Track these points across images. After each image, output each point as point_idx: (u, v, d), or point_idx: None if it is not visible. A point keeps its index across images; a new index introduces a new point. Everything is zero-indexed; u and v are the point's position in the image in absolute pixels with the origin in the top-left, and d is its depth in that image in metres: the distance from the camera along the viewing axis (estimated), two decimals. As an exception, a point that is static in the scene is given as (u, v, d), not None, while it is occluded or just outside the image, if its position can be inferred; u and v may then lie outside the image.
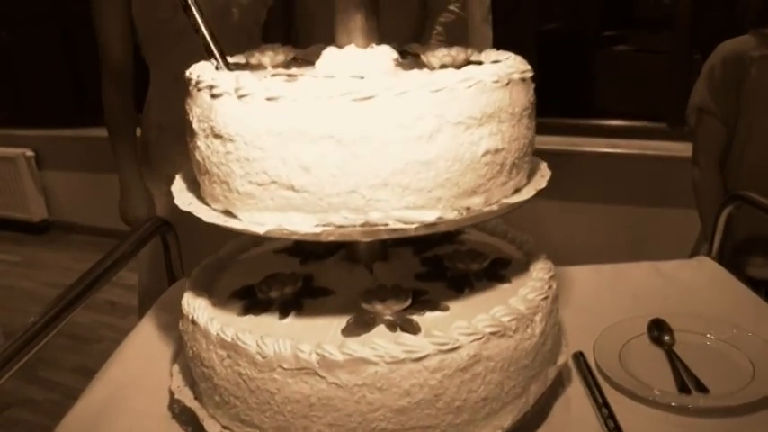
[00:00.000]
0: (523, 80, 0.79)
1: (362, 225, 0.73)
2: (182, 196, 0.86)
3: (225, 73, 0.79)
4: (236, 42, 1.69)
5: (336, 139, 0.69)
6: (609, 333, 1.06)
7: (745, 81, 1.66)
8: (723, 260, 1.36)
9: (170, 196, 1.81)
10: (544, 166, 0.92)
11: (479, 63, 0.88)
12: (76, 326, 3.20)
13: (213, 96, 0.74)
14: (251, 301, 0.91)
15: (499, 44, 1.02)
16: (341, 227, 0.73)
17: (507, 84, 0.76)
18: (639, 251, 2.97)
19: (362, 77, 0.77)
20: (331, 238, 0.73)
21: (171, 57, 1.68)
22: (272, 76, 0.81)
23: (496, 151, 0.76)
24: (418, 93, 0.69)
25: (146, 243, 1.28)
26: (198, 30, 0.87)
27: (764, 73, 1.64)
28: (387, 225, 0.73)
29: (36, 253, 4.09)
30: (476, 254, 0.98)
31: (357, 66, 0.82)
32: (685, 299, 1.21)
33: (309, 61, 0.91)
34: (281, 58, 0.91)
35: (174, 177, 1.76)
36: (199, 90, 0.77)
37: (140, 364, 1.06)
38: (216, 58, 0.87)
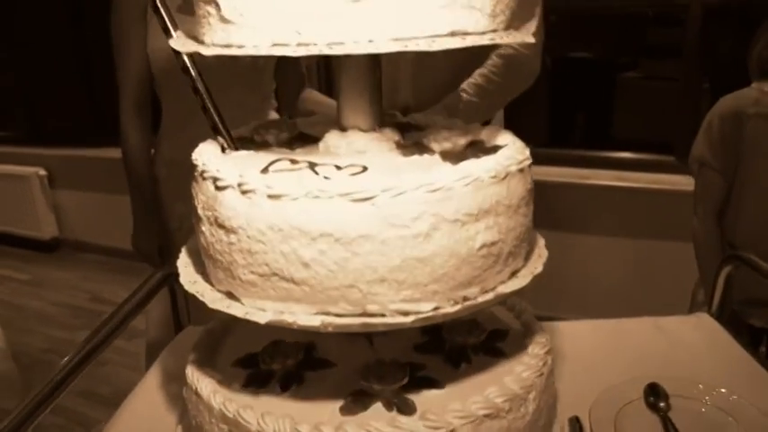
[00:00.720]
0: (521, 170, 0.81)
1: (360, 315, 0.75)
2: (186, 273, 0.89)
3: (230, 161, 0.81)
4: (248, 81, 1.72)
5: (335, 237, 0.71)
6: (605, 397, 1.07)
7: (743, 137, 1.68)
8: (723, 315, 1.37)
9: (181, 232, 1.83)
10: (541, 243, 0.94)
11: (481, 144, 0.90)
12: (84, 348, 3.22)
13: (217, 188, 0.77)
14: (254, 371, 0.93)
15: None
16: (339, 316, 0.76)
17: (505, 177, 0.78)
18: (645, 283, 2.98)
19: (364, 167, 0.79)
20: (330, 329, 0.75)
21: (184, 93, 1.69)
22: (275, 161, 0.83)
23: (492, 244, 0.78)
24: (415, 193, 0.71)
25: (154, 295, 1.30)
26: (206, 109, 0.89)
27: (761, 130, 1.66)
28: (384, 317, 0.75)
29: (45, 271, 4.13)
30: (474, 325, 0.99)
31: (359, 152, 0.85)
32: (684, 359, 1.22)
33: (313, 138, 0.94)
34: (284, 135, 0.93)
35: (185, 214, 1.79)
36: (204, 179, 0.79)
37: (145, 424, 1.08)
38: (224, 137, 0.89)
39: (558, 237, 3.10)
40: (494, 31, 0.77)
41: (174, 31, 0.86)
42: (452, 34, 0.73)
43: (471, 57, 1.62)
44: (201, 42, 0.79)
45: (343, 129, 0.89)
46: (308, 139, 0.94)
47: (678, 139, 2.98)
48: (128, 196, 1.81)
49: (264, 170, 0.80)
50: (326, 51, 0.68)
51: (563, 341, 1.24)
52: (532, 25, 0.84)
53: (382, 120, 0.92)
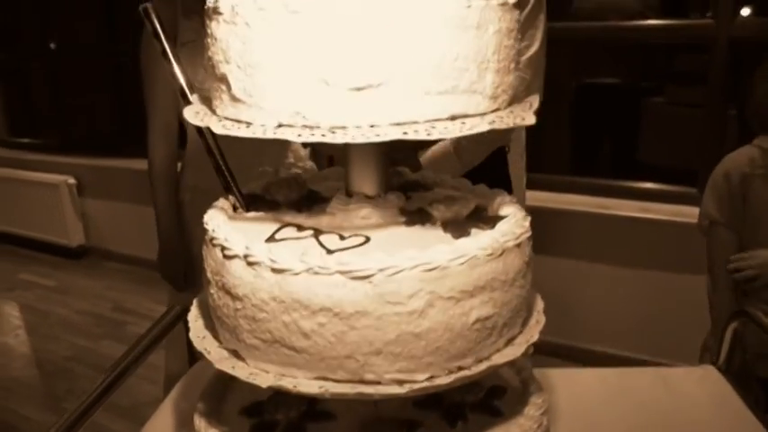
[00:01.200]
0: (519, 245, 0.84)
1: (357, 383, 0.78)
2: (196, 328, 0.93)
3: (238, 227, 0.85)
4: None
5: (334, 312, 0.74)
6: (605, 454, 1.09)
7: (749, 195, 1.69)
8: (730, 369, 1.37)
9: (196, 256, 1.87)
10: (540, 307, 0.96)
11: (484, 212, 0.93)
12: (106, 358, 3.29)
13: (225, 256, 0.80)
14: (258, 422, 0.97)
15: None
16: (338, 382, 0.79)
17: (501, 254, 0.80)
18: (663, 315, 2.97)
19: (366, 238, 0.83)
20: (328, 396, 0.78)
21: None
22: (282, 227, 0.86)
23: (487, 318, 0.80)
24: (411, 272, 0.74)
25: (170, 330, 1.34)
26: (219, 170, 0.93)
27: (766, 190, 1.67)
28: (380, 385, 0.78)
29: (71, 278, 4.23)
30: (473, 383, 1.02)
31: (363, 218, 0.88)
32: (687, 414, 1.23)
33: (321, 198, 0.97)
34: (294, 195, 0.96)
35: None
36: (213, 245, 0.83)
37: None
38: (235, 197, 0.93)
39: (578, 265, 3.11)
40: (495, 111, 0.80)
41: (191, 94, 0.90)
42: (452, 118, 0.75)
43: None
44: (214, 113, 0.83)
45: (349, 193, 0.93)
46: (317, 199, 0.97)
47: (702, 169, 2.95)
48: (153, 208, 1.86)
49: (271, 238, 0.84)
50: (329, 137, 0.71)
51: (565, 392, 1.25)
52: (536, 100, 0.86)
53: (389, 181, 0.95)
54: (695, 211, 2.94)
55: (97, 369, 3.19)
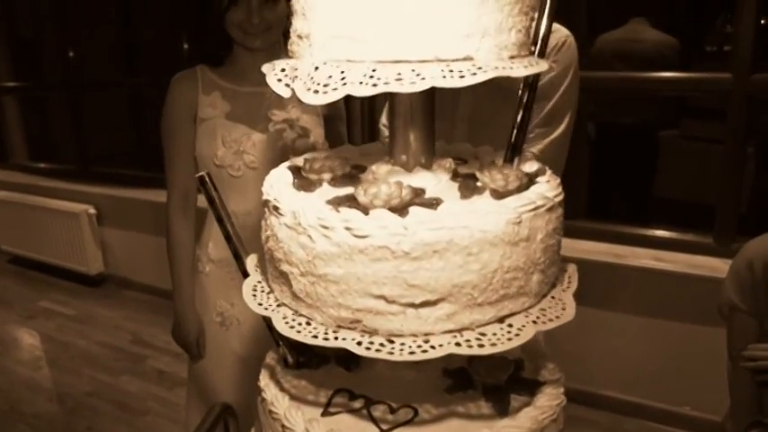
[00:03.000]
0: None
1: None
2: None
3: (292, 389, 0.89)
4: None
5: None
6: None
7: None
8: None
9: (223, 327, 1.91)
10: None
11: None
12: (126, 395, 3.37)
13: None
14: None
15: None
16: None
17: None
18: (676, 366, 3.00)
19: (415, 411, 0.87)
20: None
21: (227, 198, 1.75)
22: (335, 395, 0.90)
23: None
24: None
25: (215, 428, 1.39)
26: (229, 239, 0.97)
27: None
28: None
29: (90, 307, 4.30)
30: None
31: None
32: None
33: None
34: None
35: (227, 309, 1.86)
36: (273, 419, 0.88)
37: None
38: (243, 265, 0.97)
39: (591, 312, 3.14)
40: (538, 303, 0.84)
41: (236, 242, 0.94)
42: (500, 320, 0.80)
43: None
44: (269, 285, 0.88)
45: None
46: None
47: (720, 206, 2.97)
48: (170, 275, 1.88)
49: (325, 412, 0.89)
50: (387, 347, 0.75)
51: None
52: (574, 276, 0.90)
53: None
54: (709, 261, 2.98)
55: (117, 406, 3.25)
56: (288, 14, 1.69)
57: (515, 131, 0.93)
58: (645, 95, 3.79)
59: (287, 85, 0.79)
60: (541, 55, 0.88)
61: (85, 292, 4.52)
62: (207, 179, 0.92)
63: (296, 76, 0.77)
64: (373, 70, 0.71)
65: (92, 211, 4.39)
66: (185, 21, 3.78)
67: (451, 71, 0.70)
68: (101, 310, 4.27)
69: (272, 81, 0.80)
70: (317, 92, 0.73)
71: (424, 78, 0.69)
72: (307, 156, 0.99)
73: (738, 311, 1.78)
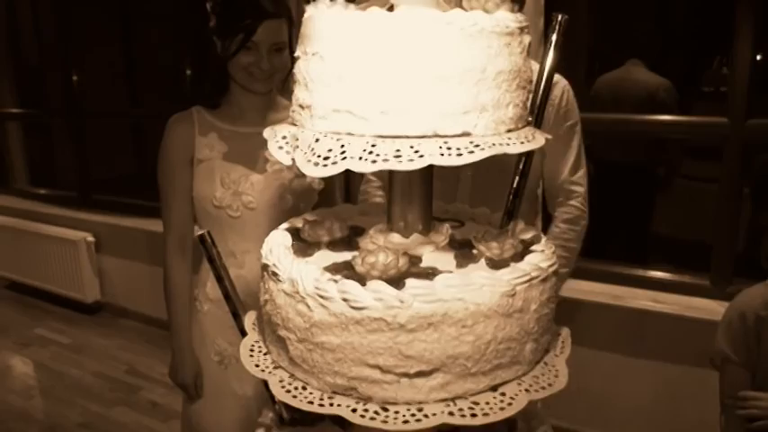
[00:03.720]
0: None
1: None
2: None
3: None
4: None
5: None
6: None
7: (764, 336, 1.70)
8: None
9: (221, 366, 1.90)
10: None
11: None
12: (119, 426, 3.34)
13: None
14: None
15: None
16: None
17: None
18: (672, 408, 2.99)
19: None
20: None
21: (225, 237, 1.76)
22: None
23: None
24: None
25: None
26: (228, 297, 0.97)
27: None
28: None
29: (86, 336, 4.28)
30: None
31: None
32: None
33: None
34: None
35: (226, 349, 1.85)
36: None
37: None
38: (240, 323, 0.98)
39: (588, 353, 3.14)
40: (531, 370, 0.85)
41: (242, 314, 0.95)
42: (494, 389, 0.80)
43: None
44: (267, 348, 0.88)
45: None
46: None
47: (716, 246, 2.98)
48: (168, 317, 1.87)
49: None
50: (382, 415, 0.76)
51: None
52: (567, 339, 0.91)
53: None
54: (706, 303, 2.99)
55: (111, 439, 3.23)
56: (290, 61, 1.73)
57: (511, 197, 0.95)
58: (642, 138, 3.82)
59: (287, 153, 0.80)
60: (538, 125, 0.89)
61: (82, 320, 4.50)
62: (207, 238, 0.94)
63: (297, 146, 0.78)
64: (373, 146, 0.72)
65: (90, 239, 4.40)
66: (187, 54, 3.83)
67: (449, 148, 0.72)
68: (96, 338, 4.26)
69: (273, 148, 0.82)
70: (317, 164, 0.74)
71: (422, 156, 0.71)
72: (307, 216, 1.00)
73: (730, 363, 1.79)
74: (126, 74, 5.19)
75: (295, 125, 0.85)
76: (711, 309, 2.97)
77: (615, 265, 3.39)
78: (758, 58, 2.71)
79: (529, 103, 0.85)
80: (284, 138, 0.82)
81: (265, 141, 1.68)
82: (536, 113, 0.89)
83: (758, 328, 1.74)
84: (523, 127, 0.83)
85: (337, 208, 1.09)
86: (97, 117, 4.76)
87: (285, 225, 0.97)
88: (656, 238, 4.41)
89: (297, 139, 0.80)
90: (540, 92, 0.90)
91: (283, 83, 1.76)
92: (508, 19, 0.77)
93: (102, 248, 4.47)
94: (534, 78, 0.88)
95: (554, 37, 0.91)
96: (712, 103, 4.29)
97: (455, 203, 1.08)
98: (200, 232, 0.94)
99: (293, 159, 0.78)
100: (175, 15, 3.96)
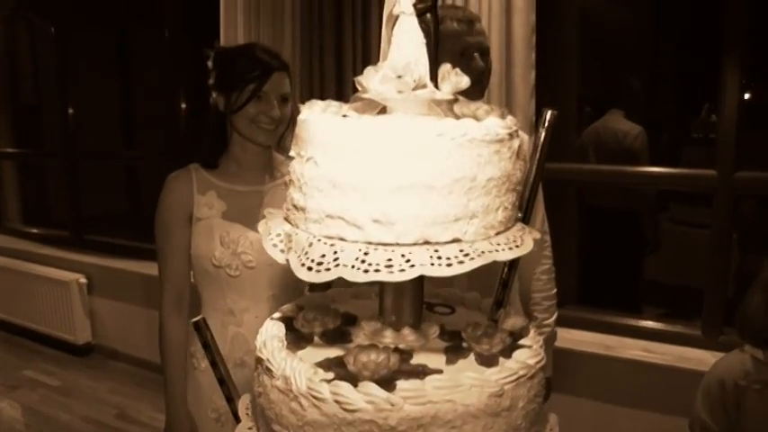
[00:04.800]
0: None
1: None
2: None
3: None
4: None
5: None
6: None
7: (744, 405, 1.70)
8: None
9: (218, 423, 1.89)
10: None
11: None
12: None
13: None
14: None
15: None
16: None
17: None
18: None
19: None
20: None
21: (224, 295, 1.77)
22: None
23: None
24: None
25: None
26: (214, 365, 0.98)
27: (759, 402, 1.68)
28: None
29: (75, 378, 4.24)
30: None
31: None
32: None
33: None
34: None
35: (222, 406, 1.84)
36: None
37: None
38: (229, 389, 0.98)
39: (580, 403, 3.13)
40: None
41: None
42: None
43: None
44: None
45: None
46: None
47: (708, 292, 2.99)
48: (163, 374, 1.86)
49: None
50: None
51: None
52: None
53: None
54: (697, 354, 3.00)
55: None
56: (291, 116, 1.77)
57: (500, 288, 0.97)
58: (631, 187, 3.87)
59: (282, 252, 0.82)
60: (527, 220, 0.92)
61: (72, 362, 4.47)
62: (203, 325, 0.95)
63: (290, 248, 0.80)
64: (365, 254, 0.74)
65: (82, 280, 4.39)
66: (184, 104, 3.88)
67: (440, 258, 0.74)
68: (86, 381, 4.22)
69: (267, 245, 0.84)
70: (310, 269, 0.76)
71: (413, 266, 0.73)
72: (300, 302, 1.02)
73: (709, 431, 1.77)
74: (122, 114, 5.24)
75: (289, 221, 0.87)
76: (703, 359, 2.98)
77: (607, 314, 3.40)
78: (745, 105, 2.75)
79: (518, 201, 0.88)
80: (279, 235, 0.84)
81: (263, 200, 1.72)
82: (525, 209, 0.91)
83: (737, 397, 1.73)
84: (513, 226, 0.85)
85: (330, 292, 1.10)
86: (91, 158, 4.79)
87: (278, 314, 0.98)
88: (648, 283, 4.43)
89: (290, 240, 0.81)
90: (530, 188, 0.93)
91: (280, 138, 1.80)
92: (498, 126, 0.80)
93: (93, 290, 4.45)
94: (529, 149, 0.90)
95: (543, 132, 0.94)
96: (701, 148, 4.36)
97: (444, 288, 1.10)
98: (195, 319, 0.95)
99: (287, 260, 0.79)
100: (170, 64, 4.03)
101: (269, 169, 1.81)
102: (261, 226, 0.88)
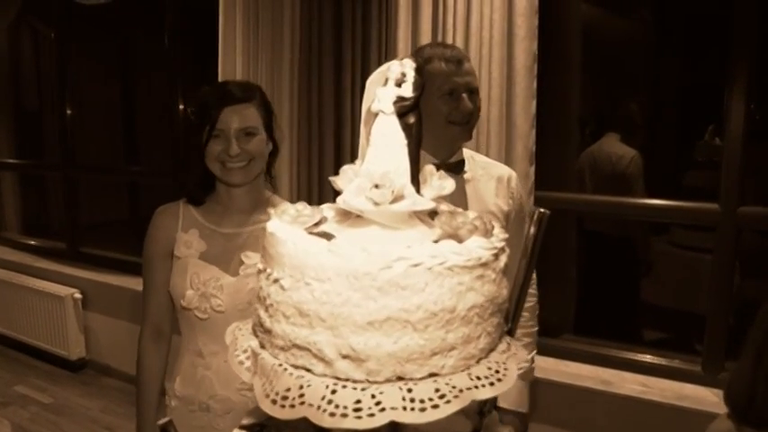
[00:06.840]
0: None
1: None
2: None
3: None
4: None
5: None
6: None
7: None
8: None
9: None
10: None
11: None
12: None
13: None
14: None
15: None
16: None
17: None
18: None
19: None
20: None
21: (195, 336, 1.74)
22: None
23: None
24: None
25: None
26: None
27: None
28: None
29: (67, 395, 4.21)
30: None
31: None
32: None
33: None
34: None
35: None
36: None
37: None
38: None
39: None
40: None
41: None
42: None
43: None
44: None
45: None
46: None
47: (709, 319, 2.94)
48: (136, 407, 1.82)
49: None
50: None
51: None
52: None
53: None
54: (697, 391, 2.94)
55: None
56: (270, 146, 1.72)
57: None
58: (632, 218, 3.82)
59: (248, 371, 0.77)
60: (512, 331, 0.86)
61: (64, 378, 4.43)
62: (170, 430, 0.90)
63: (256, 372, 0.74)
64: (333, 392, 0.69)
65: (78, 295, 4.36)
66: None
67: (413, 400, 0.68)
68: (78, 399, 4.18)
69: (233, 363, 0.78)
70: (274, 402, 0.71)
71: (383, 410, 0.67)
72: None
73: None
74: (123, 122, 5.21)
75: (256, 335, 0.81)
76: (703, 397, 2.93)
77: (604, 347, 3.35)
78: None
79: (503, 316, 0.82)
80: (246, 352, 0.78)
81: (244, 243, 1.67)
82: (511, 320, 0.85)
83: None
84: (497, 346, 0.79)
85: None
86: (91, 172, 4.76)
87: (247, 421, 0.92)
88: (648, 307, 4.38)
89: (257, 358, 0.76)
90: (518, 291, 0.87)
91: (269, 168, 1.78)
92: (481, 248, 0.74)
93: (89, 305, 4.42)
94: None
95: (533, 232, 0.88)
96: (704, 171, 4.31)
97: None
98: (162, 421, 0.90)
99: (253, 384, 0.74)
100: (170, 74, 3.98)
101: (256, 211, 1.76)
102: (228, 336, 0.82)
